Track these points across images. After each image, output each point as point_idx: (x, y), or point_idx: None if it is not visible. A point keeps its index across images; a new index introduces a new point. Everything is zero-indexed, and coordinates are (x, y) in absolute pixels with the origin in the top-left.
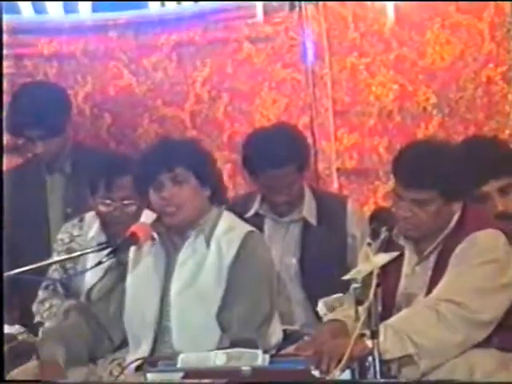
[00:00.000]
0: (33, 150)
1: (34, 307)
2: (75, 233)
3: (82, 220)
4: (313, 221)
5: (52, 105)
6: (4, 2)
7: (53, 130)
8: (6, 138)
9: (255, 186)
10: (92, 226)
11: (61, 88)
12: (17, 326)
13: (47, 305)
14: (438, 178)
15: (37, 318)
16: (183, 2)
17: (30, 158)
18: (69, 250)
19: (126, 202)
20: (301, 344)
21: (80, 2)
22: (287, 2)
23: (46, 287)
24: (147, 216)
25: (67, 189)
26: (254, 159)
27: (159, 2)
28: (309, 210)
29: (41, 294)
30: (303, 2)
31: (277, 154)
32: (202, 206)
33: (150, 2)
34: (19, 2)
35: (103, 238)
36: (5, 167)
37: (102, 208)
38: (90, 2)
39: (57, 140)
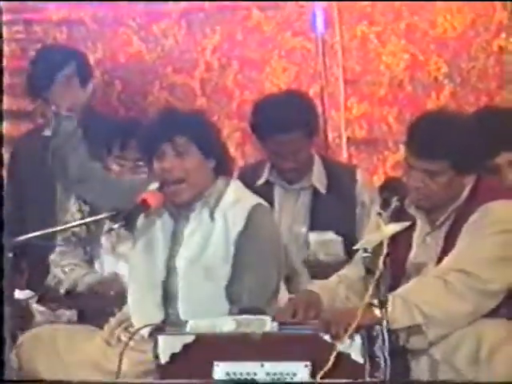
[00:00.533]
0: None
1: (53, 258)
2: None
3: None
4: (322, 189)
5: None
6: None
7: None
8: (23, 102)
9: (264, 152)
10: None
11: (80, 52)
12: (27, 291)
13: (66, 261)
14: (450, 148)
15: (55, 271)
16: None
17: (40, 124)
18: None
19: (139, 163)
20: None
21: None
22: None
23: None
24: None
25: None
26: (262, 124)
27: None
28: (318, 177)
29: (57, 250)
30: None
31: (284, 119)
32: (205, 179)
33: None
34: None
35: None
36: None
37: (116, 167)
38: None
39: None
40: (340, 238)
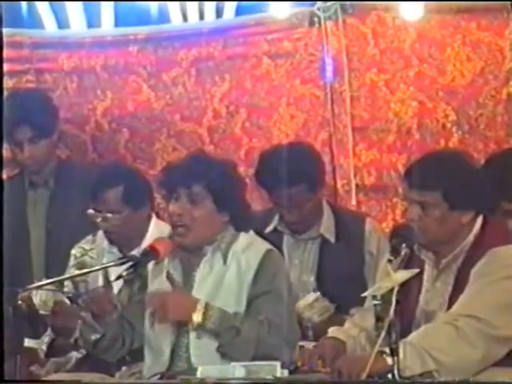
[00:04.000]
0: (20, 155)
1: None
2: (87, 247)
3: (95, 235)
4: (331, 238)
5: (40, 107)
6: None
7: (41, 131)
8: None
9: (270, 202)
10: (104, 239)
11: (47, 94)
12: (36, 340)
13: None
14: (440, 180)
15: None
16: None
17: (13, 175)
18: (80, 265)
19: (112, 214)
20: (302, 351)
21: (103, 17)
22: (307, 19)
23: None
24: (158, 226)
25: (50, 204)
26: (265, 177)
27: (181, 17)
28: (327, 227)
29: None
30: (323, 19)
31: (287, 173)
32: (212, 230)
33: (171, 17)
34: (42, 17)
35: (115, 249)
36: None
37: (94, 219)
38: (113, 16)
39: (44, 143)
40: (319, 295)
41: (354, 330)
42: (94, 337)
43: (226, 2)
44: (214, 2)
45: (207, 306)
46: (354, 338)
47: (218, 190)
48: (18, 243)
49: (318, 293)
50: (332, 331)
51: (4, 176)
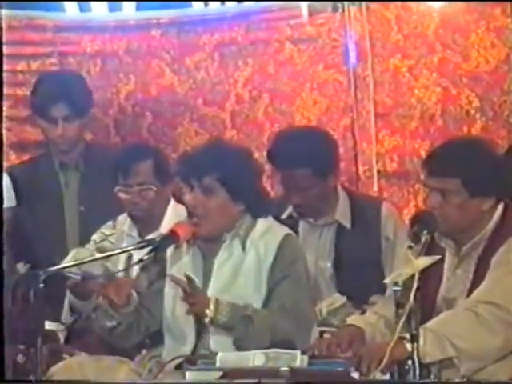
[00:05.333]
0: (53, 132)
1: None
2: (108, 232)
3: (115, 220)
4: (347, 224)
5: (75, 88)
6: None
7: (76, 111)
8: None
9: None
10: (125, 223)
11: (83, 76)
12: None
13: None
14: (459, 167)
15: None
16: (226, 2)
17: (40, 155)
18: (99, 249)
19: (143, 186)
20: (320, 340)
21: (124, 1)
22: (330, 4)
23: None
24: (176, 209)
25: (81, 186)
26: (273, 156)
27: (203, 2)
28: (343, 212)
29: None
30: (346, 4)
31: (294, 155)
32: (230, 220)
33: (193, 2)
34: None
35: (135, 233)
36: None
37: (122, 195)
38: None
39: (77, 123)
40: (345, 301)
41: (372, 318)
42: (110, 324)
43: None
44: None
45: (217, 301)
46: (372, 325)
47: (232, 180)
48: (54, 223)
49: (345, 298)
50: (351, 319)
51: (26, 157)
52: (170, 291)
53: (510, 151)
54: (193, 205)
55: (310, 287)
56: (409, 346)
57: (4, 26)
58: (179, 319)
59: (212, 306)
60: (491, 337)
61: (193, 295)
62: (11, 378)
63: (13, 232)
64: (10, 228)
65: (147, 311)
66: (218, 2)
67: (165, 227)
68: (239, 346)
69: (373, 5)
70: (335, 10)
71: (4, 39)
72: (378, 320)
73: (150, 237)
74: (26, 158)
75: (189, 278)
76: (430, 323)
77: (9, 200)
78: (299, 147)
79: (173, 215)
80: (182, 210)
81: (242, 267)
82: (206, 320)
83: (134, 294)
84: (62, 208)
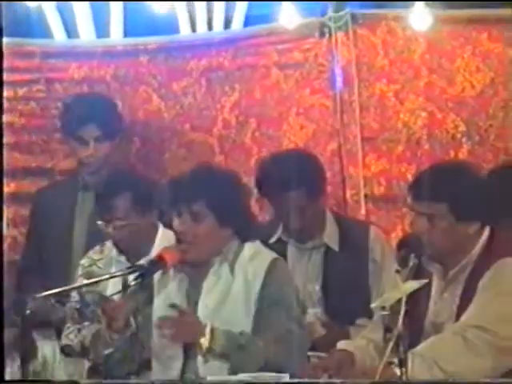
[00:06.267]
0: (84, 153)
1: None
2: (96, 257)
3: (102, 245)
4: (335, 247)
5: (108, 109)
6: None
7: (107, 132)
8: (42, 160)
9: (272, 211)
10: (112, 249)
11: (112, 100)
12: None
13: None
14: (445, 192)
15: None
16: (214, 27)
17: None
18: (87, 274)
19: (123, 222)
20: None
21: (112, 27)
22: (317, 29)
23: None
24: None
25: (95, 208)
26: (265, 182)
27: (190, 27)
28: (330, 235)
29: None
30: (333, 29)
31: (285, 177)
32: (218, 245)
33: (180, 27)
34: (52, 27)
35: (123, 258)
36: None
37: (104, 229)
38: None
39: (107, 145)
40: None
41: (362, 342)
42: (106, 351)
43: (235, 13)
44: (223, 13)
45: (213, 330)
46: (362, 350)
47: (220, 206)
48: (62, 244)
49: (319, 309)
50: (340, 343)
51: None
52: (156, 315)
53: (491, 174)
54: (181, 231)
55: (300, 311)
56: (397, 371)
57: None
58: (167, 343)
59: (208, 336)
60: (480, 361)
61: (186, 323)
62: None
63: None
64: None
65: (136, 337)
66: (205, 28)
67: (155, 252)
68: (232, 372)
69: (360, 30)
70: (322, 35)
71: None
72: (367, 344)
73: (139, 262)
74: (12, 184)
75: (173, 306)
76: (419, 348)
77: None
78: (288, 170)
79: (163, 241)
80: (171, 236)
81: (230, 291)
82: (202, 349)
83: (132, 318)
84: (72, 229)
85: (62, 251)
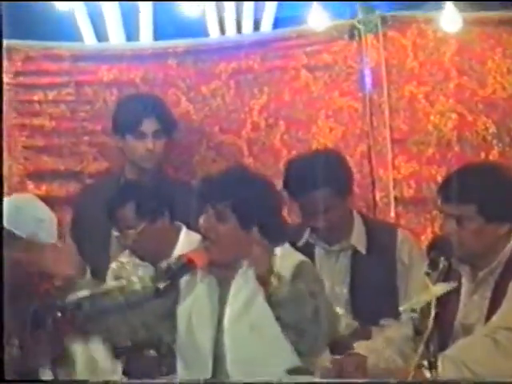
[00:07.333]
0: (141, 147)
1: None
2: (125, 260)
3: None
4: (362, 249)
5: (162, 106)
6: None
7: (165, 127)
8: (72, 163)
9: (298, 212)
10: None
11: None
12: None
13: None
14: (474, 193)
15: None
16: (243, 30)
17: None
18: (117, 278)
19: (129, 230)
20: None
21: (141, 30)
22: (347, 31)
23: None
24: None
25: None
26: (291, 182)
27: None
28: (358, 238)
29: None
30: (363, 31)
31: (311, 176)
32: (242, 248)
33: (209, 30)
34: (82, 30)
35: (147, 263)
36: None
37: (119, 239)
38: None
39: (164, 141)
40: (343, 312)
41: (379, 344)
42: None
43: (264, 15)
44: (252, 15)
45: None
46: (377, 352)
47: (246, 209)
48: (100, 246)
49: (343, 310)
50: (357, 345)
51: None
52: (184, 318)
53: None
54: (205, 227)
55: (324, 312)
56: (427, 373)
57: (21, 56)
58: (195, 345)
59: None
60: (511, 362)
61: None
62: (11, 378)
63: None
64: None
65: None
66: (235, 30)
67: (178, 254)
68: None
69: (390, 32)
70: (352, 37)
71: (21, 70)
72: (383, 346)
73: (163, 264)
74: (43, 187)
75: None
76: (448, 350)
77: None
78: (315, 169)
79: (186, 243)
80: (195, 237)
81: (257, 294)
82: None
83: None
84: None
85: (100, 253)
